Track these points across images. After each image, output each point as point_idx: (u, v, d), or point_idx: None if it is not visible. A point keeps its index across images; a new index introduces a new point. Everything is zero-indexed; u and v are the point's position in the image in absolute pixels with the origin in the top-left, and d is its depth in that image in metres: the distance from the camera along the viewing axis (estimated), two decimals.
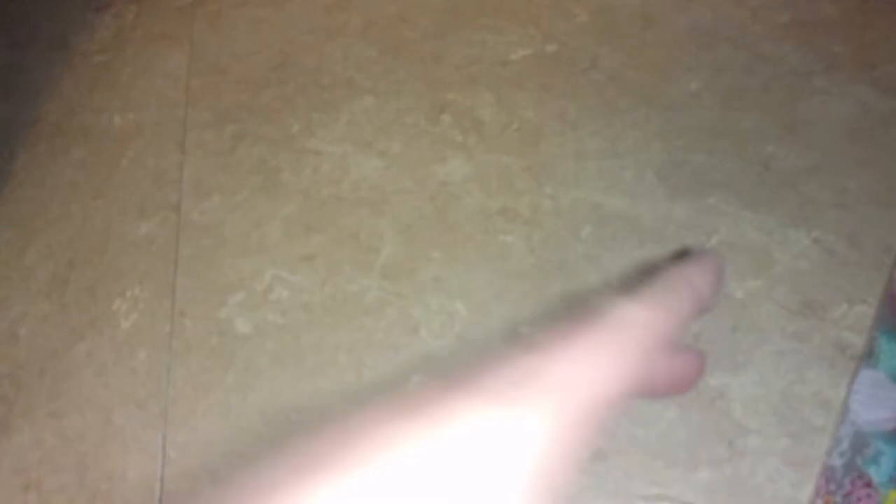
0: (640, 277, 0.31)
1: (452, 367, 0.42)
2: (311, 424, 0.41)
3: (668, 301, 0.29)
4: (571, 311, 0.21)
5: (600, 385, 0.23)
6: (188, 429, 0.45)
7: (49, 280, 0.50)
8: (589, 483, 0.40)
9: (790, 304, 0.46)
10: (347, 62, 0.61)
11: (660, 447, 0.41)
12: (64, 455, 0.42)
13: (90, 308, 0.48)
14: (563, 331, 0.25)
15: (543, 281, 0.48)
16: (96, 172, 0.55)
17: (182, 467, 0.44)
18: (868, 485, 0.39)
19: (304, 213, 0.53)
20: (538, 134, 0.56)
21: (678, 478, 0.40)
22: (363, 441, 0.25)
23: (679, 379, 0.29)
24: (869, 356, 0.43)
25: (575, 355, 0.24)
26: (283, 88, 0.61)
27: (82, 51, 0.67)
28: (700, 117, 0.55)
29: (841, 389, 0.42)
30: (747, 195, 0.50)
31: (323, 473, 0.23)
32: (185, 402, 0.46)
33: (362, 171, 0.53)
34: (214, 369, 0.48)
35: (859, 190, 0.48)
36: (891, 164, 0.49)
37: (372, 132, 0.56)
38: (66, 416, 0.44)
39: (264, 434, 0.44)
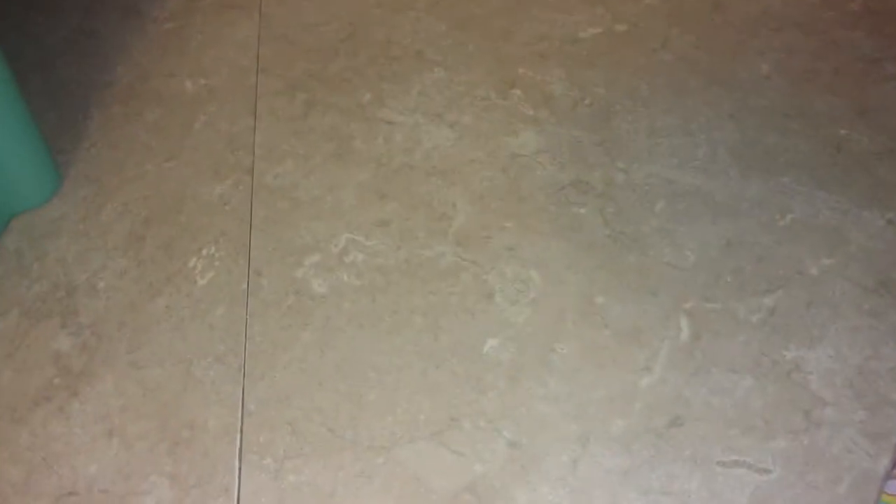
0: None
1: (528, 331, 0.43)
2: (387, 383, 0.43)
3: None
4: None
5: None
6: (267, 383, 0.46)
7: (126, 237, 0.51)
8: (667, 448, 0.40)
9: (865, 282, 0.46)
10: (416, 35, 0.61)
11: (736, 416, 0.42)
12: (145, 404, 0.43)
13: (167, 265, 0.49)
14: None
15: (617, 253, 0.48)
16: (170, 135, 0.56)
17: (261, 419, 0.44)
18: None
19: (377, 181, 0.54)
20: (609, 110, 0.56)
21: (754, 445, 0.41)
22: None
23: None
24: None
25: None
26: (353, 59, 0.62)
27: (153, 18, 0.68)
28: (772, 99, 0.55)
29: None
30: (820, 176, 0.51)
31: None
32: (263, 357, 0.47)
33: (434, 141, 0.54)
34: (292, 327, 0.49)
35: None
36: None
37: (443, 104, 0.57)
38: (146, 367, 0.45)
39: (342, 390, 0.45)
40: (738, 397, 0.42)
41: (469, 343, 0.46)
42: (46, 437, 0.41)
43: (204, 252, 0.51)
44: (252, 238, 0.53)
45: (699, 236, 0.48)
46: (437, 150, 0.53)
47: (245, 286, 0.50)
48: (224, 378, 0.46)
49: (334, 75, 0.55)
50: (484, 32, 0.61)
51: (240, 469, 0.40)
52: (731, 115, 0.54)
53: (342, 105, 0.57)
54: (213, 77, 0.57)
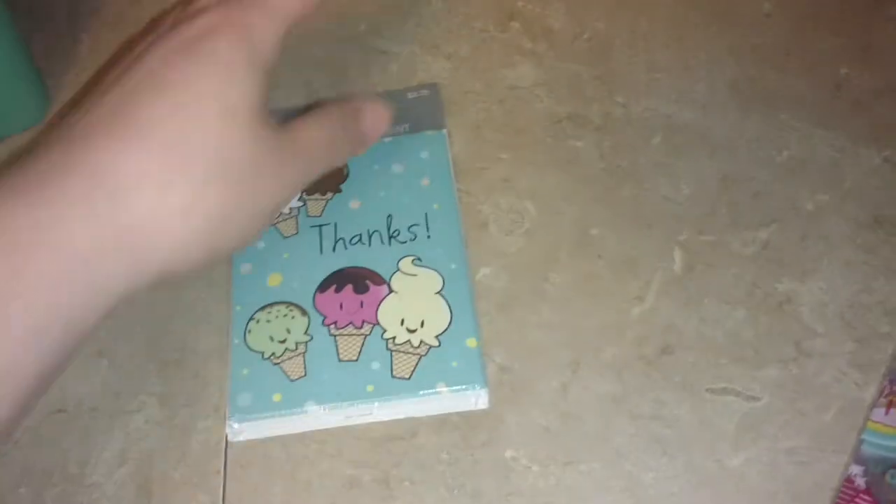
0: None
1: (523, 260, 0.43)
2: None
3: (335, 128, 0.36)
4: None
5: None
6: None
7: None
8: (657, 375, 0.41)
9: (860, 217, 0.46)
10: None
11: (727, 345, 0.42)
12: (134, 325, 0.43)
13: None
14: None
15: (613, 185, 0.48)
16: None
17: None
18: None
19: None
20: (609, 45, 0.56)
21: (744, 374, 0.41)
22: None
23: None
24: None
25: None
26: None
27: None
28: (773, 36, 0.55)
29: None
30: (819, 113, 0.51)
31: None
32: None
33: (430, 72, 0.53)
34: None
35: None
36: None
37: (440, 35, 0.56)
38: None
39: None
40: (730, 327, 0.43)
41: None
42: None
43: None
44: None
45: (695, 171, 0.48)
46: (432, 80, 0.52)
47: None
48: (216, 300, 0.45)
49: (330, 3, 0.54)
50: None
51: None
52: (730, 52, 0.54)
53: (338, 34, 0.56)
54: None
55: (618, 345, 0.42)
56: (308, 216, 0.41)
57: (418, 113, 0.45)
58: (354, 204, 0.41)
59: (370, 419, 0.39)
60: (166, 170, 0.28)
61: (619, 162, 0.50)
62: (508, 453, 0.39)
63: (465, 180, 0.48)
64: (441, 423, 0.39)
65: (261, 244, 0.40)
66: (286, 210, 0.41)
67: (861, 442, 0.38)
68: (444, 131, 0.45)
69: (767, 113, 0.52)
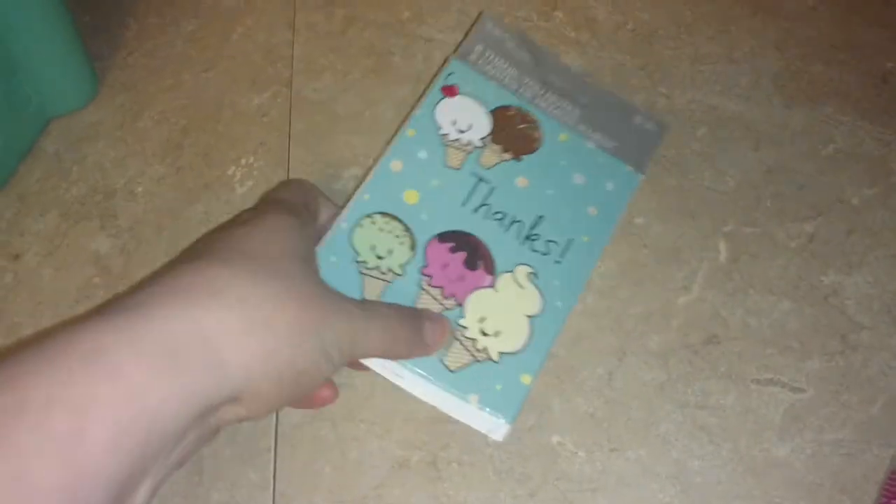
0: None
1: None
2: None
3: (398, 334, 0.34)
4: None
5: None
6: None
7: (164, 144, 0.51)
8: (702, 364, 0.41)
9: None
10: None
11: (773, 336, 0.42)
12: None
13: (205, 172, 0.49)
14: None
15: (658, 175, 0.48)
16: (207, 45, 0.56)
17: None
18: None
19: (416, 98, 0.54)
20: (653, 35, 0.56)
21: (790, 365, 0.41)
22: None
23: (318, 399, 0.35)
24: None
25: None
26: None
27: None
28: (818, 29, 0.55)
29: None
30: (864, 107, 0.51)
31: None
32: None
33: None
34: None
35: None
36: None
37: None
38: None
39: None
40: (775, 319, 0.43)
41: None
42: None
43: (243, 161, 0.51)
44: (291, 150, 0.53)
45: (740, 162, 0.48)
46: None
47: None
48: None
49: None
50: None
51: None
52: (775, 44, 0.53)
53: (381, 21, 0.57)
54: None
55: (663, 333, 0.43)
56: (478, 162, 0.38)
57: (632, 140, 0.42)
58: (522, 181, 0.38)
59: (397, 381, 0.36)
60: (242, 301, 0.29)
61: (663, 152, 0.50)
62: (555, 439, 0.39)
63: None
64: None
65: (423, 153, 0.38)
66: (464, 140, 0.38)
67: None
68: (642, 176, 0.41)
69: (812, 106, 0.51)
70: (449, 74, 0.40)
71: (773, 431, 0.38)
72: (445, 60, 0.40)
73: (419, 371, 0.38)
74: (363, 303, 0.32)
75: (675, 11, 0.57)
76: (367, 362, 0.38)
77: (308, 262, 0.31)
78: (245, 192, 0.51)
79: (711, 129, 0.51)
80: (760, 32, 0.55)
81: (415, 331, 0.34)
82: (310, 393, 0.32)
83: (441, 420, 0.39)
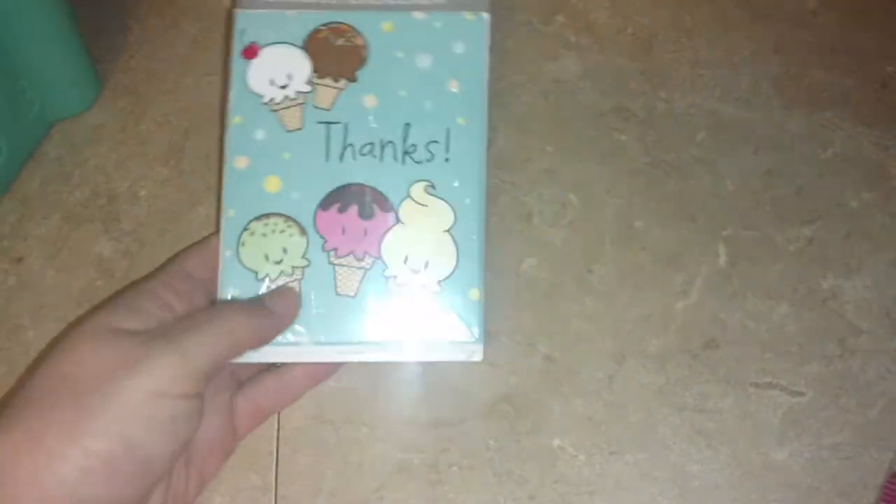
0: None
1: (566, 251, 0.43)
2: None
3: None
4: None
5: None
6: None
7: (166, 147, 0.51)
8: (701, 368, 0.41)
9: None
10: None
11: (771, 340, 0.42)
12: None
13: (207, 175, 0.50)
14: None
15: (657, 179, 0.48)
16: (208, 49, 0.56)
17: None
18: None
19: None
20: (652, 39, 0.56)
21: (789, 369, 0.41)
22: None
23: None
24: None
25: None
26: None
27: None
28: (818, 34, 0.55)
29: None
30: (864, 112, 0.51)
31: None
32: None
33: None
34: None
35: None
36: None
37: None
38: None
39: None
40: (774, 322, 0.43)
41: (507, 262, 0.46)
42: None
43: None
44: None
45: (739, 166, 0.48)
46: None
47: None
48: None
49: None
50: None
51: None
52: (775, 49, 0.54)
53: None
54: None
55: (662, 337, 0.43)
56: (315, 108, 0.35)
57: None
58: (370, 100, 0.35)
59: (363, 358, 0.36)
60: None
61: (663, 156, 0.50)
62: (555, 441, 0.40)
63: (510, 171, 0.49)
64: (488, 410, 0.40)
65: (260, 134, 0.35)
66: (291, 95, 0.35)
67: None
68: (486, 16, 0.37)
69: (812, 110, 0.52)
70: (242, 33, 0.37)
71: (772, 435, 0.38)
72: (230, 16, 0.36)
73: (373, 340, 0.36)
74: (174, 327, 0.31)
75: (676, 16, 0.57)
76: (309, 359, 0.37)
77: (110, 340, 0.30)
78: None
79: (711, 133, 0.51)
80: (760, 37, 0.56)
81: (254, 313, 0.33)
82: (196, 426, 0.31)
83: (442, 423, 0.39)
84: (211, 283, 0.35)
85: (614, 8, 0.57)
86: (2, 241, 0.49)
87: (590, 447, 0.38)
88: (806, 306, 0.42)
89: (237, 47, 0.36)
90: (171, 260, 0.35)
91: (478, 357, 0.36)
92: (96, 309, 0.32)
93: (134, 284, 0.34)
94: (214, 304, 0.34)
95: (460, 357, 0.36)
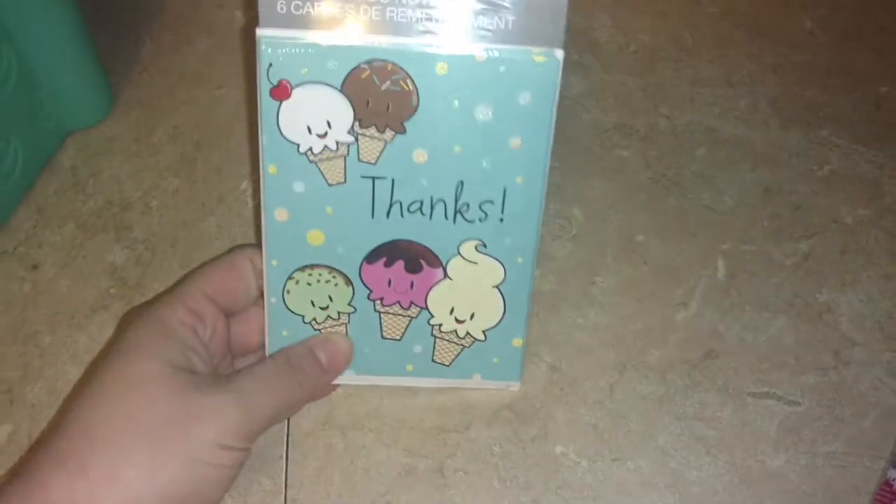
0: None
1: (570, 264, 0.45)
2: None
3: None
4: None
5: None
6: None
7: (178, 159, 0.52)
8: (700, 378, 0.42)
9: None
10: None
11: (768, 351, 0.44)
12: None
13: (218, 186, 0.51)
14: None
15: (658, 195, 0.50)
16: (219, 63, 0.58)
17: None
18: None
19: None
20: (654, 58, 0.57)
21: (785, 379, 0.42)
22: None
23: None
24: None
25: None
26: None
27: None
28: (814, 54, 0.56)
29: None
30: (859, 131, 0.52)
31: None
32: None
33: None
34: None
35: None
36: None
37: None
38: None
39: None
40: (771, 334, 0.44)
41: None
42: (103, 341, 0.43)
43: (255, 176, 0.53)
44: None
45: (738, 183, 0.49)
46: None
47: None
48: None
49: None
50: None
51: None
52: (773, 68, 0.55)
53: None
54: None
55: (662, 348, 0.44)
56: (360, 161, 0.31)
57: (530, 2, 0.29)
58: (419, 156, 0.31)
59: (402, 383, 0.39)
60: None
61: (664, 172, 0.52)
62: (558, 448, 0.41)
63: None
64: (493, 417, 0.41)
65: (299, 186, 0.31)
66: (332, 146, 0.31)
67: None
68: (559, 56, 0.29)
69: (809, 128, 0.53)
70: (270, 68, 0.30)
71: (769, 443, 0.39)
72: (251, 35, 0.29)
73: (418, 376, 0.40)
74: (237, 379, 0.32)
75: (676, 35, 0.59)
76: (357, 377, 0.40)
77: (166, 383, 0.30)
78: (257, 206, 0.52)
79: (710, 149, 0.52)
80: (758, 57, 0.57)
81: (304, 368, 0.34)
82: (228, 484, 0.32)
83: (448, 429, 0.40)
84: (231, 306, 0.37)
85: (616, 26, 0.59)
86: (18, 248, 0.50)
87: (592, 454, 0.39)
88: (802, 319, 0.44)
89: (264, 84, 0.30)
90: (192, 278, 0.35)
91: (515, 388, 0.40)
92: (147, 335, 0.32)
93: (163, 306, 0.33)
94: (272, 358, 0.35)
95: (496, 388, 0.39)
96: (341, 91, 0.30)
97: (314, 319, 0.35)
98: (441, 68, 0.29)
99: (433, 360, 0.37)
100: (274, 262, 0.33)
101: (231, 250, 0.37)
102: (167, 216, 0.52)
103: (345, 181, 0.32)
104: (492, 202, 0.32)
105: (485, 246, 0.33)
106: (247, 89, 0.59)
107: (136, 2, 0.66)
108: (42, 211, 0.52)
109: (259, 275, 0.35)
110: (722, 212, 0.48)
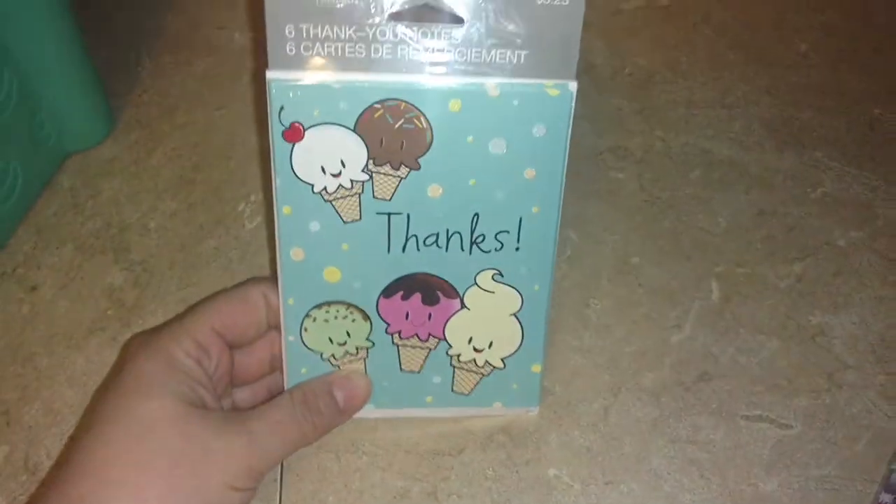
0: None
1: (565, 286, 0.45)
2: None
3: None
4: None
5: None
6: None
7: (177, 180, 0.53)
8: (694, 401, 0.42)
9: (891, 254, 0.48)
10: None
11: (761, 374, 0.44)
12: None
13: (216, 208, 0.51)
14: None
15: (653, 217, 0.50)
16: (219, 85, 0.58)
17: None
18: None
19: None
20: (649, 80, 0.58)
21: (778, 402, 0.43)
22: None
23: None
24: None
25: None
26: None
27: None
28: (808, 76, 0.57)
29: None
30: (852, 153, 0.53)
31: None
32: None
33: None
34: None
35: None
36: None
37: None
38: None
39: None
40: (764, 357, 0.44)
41: None
42: (100, 363, 0.44)
43: (252, 198, 0.53)
44: None
45: (732, 205, 0.50)
46: None
47: None
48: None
49: None
50: None
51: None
52: (767, 90, 0.56)
53: None
54: (262, 32, 0.59)
55: (657, 370, 0.44)
56: (375, 198, 0.31)
57: (545, 33, 0.29)
58: (434, 190, 0.31)
59: (421, 414, 0.39)
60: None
61: (658, 194, 0.52)
62: (551, 471, 0.41)
63: None
64: (487, 440, 0.41)
65: (314, 225, 0.31)
66: (346, 184, 0.30)
67: (891, 472, 0.39)
68: (573, 88, 0.31)
69: (802, 151, 0.54)
70: (281, 111, 0.29)
71: (762, 466, 0.39)
72: (267, 87, 0.29)
73: (438, 407, 0.40)
74: (251, 420, 0.32)
75: (671, 58, 0.59)
76: (377, 411, 0.40)
77: (177, 420, 0.30)
78: (254, 228, 0.52)
79: (705, 171, 0.53)
80: (753, 79, 0.57)
81: (321, 410, 0.34)
82: None
83: (442, 453, 0.41)
84: (238, 340, 0.35)
85: (611, 49, 0.59)
86: (16, 269, 0.51)
87: (586, 477, 0.39)
88: (795, 341, 0.44)
89: (276, 127, 0.29)
90: (201, 310, 0.34)
91: (533, 413, 0.40)
92: (154, 368, 0.32)
93: (169, 337, 0.33)
94: (289, 397, 0.34)
95: (516, 413, 0.39)
96: (354, 131, 0.29)
97: (332, 356, 0.35)
98: (454, 105, 0.30)
99: (453, 390, 0.37)
100: (290, 301, 0.33)
101: (246, 283, 0.37)
102: (165, 238, 0.52)
103: (360, 218, 0.31)
104: (507, 232, 0.32)
105: (501, 275, 0.33)
106: (242, 109, 0.60)
107: (137, 23, 0.66)
108: (41, 232, 0.53)
109: (272, 310, 0.34)
110: (716, 234, 0.48)
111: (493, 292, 0.34)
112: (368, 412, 0.40)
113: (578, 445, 0.42)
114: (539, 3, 0.28)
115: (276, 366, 0.37)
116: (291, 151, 0.30)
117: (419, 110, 0.29)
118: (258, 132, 0.58)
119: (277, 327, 0.35)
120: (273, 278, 0.35)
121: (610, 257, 0.48)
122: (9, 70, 0.48)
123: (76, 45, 0.53)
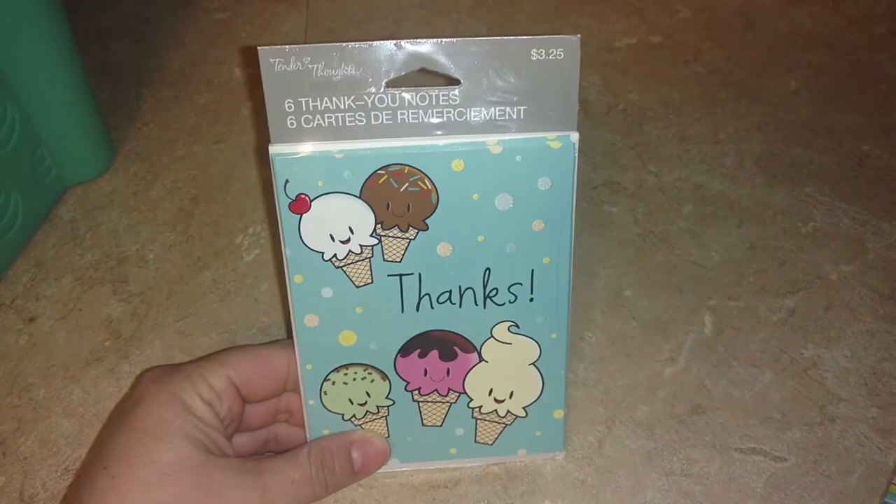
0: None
1: None
2: None
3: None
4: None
5: None
6: None
7: (175, 212, 0.53)
8: (688, 433, 0.43)
9: (882, 289, 0.49)
10: (458, 37, 0.64)
11: (755, 407, 0.44)
12: None
13: (214, 241, 0.52)
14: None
15: (646, 250, 0.51)
16: (218, 119, 0.59)
17: None
18: None
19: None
20: (642, 116, 0.59)
21: (771, 435, 0.43)
22: None
23: None
24: None
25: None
26: None
27: (204, 8, 0.71)
28: (798, 113, 0.58)
29: None
30: (842, 188, 0.53)
31: None
32: None
33: None
34: None
35: None
36: None
37: None
38: (193, 335, 0.47)
39: None
40: (757, 390, 0.45)
41: None
42: (98, 394, 0.44)
43: (250, 230, 0.54)
44: None
45: (724, 239, 0.50)
46: None
47: None
48: None
49: None
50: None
51: None
52: (758, 127, 0.57)
53: None
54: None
55: (651, 403, 0.45)
56: (385, 260, 0.31)
57: (542, 87, 0.29)
58: (444, 249, 0.31)
59: (446, 465, 0.40)
60: None
61: (651, 228, 0.53)
62: None
63: None
64: (482, 473, 0.41)
65: (327, 292, 0.31)
66: (356, 250, 0.31)
67: None
68: (574, 139, 0.29)
69: (793, 186, 0.54)
70: (286, 184, 0.30)
71: (756, 499, 0.39)
72: (271, 162, 0.30)
73: (462, 458, 0.40)
74: (266, 474, 0.32)
75: (664, 94, 0.60)
76: (402, 465, 0.40)
77: (189, 468, 0.30)
78: (252, 260, 0.53)
79: (697, 206, 0.53)
80: (744, 115, 0.59)
81: (335, 470, 0.34)
82: None
83: (437, 485, 0.41)
84: (252, 398, 0.35)
85: (606, 85, 0.61)
86: (15, 300, 0.51)
87: None
88: (788, 374, 0.44)
89: (283, 199, 0.30)
90: (221, 360, 0.34)
91: (560, 457, 0.41)
92: (169, 412, 0.31)
93: (184, 379, 0.33)
94: (306, 455, 0.34)
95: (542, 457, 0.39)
96: (360, 197, 0.30)
97: (353, 416, 0.35)
98: (457, 165, 0.30)
99: (476, 441, 0.37)
100: (309, 367, 0.34)
101: (272, 344, 0.36)
102: (163, 270, 0.53)
103: (372, 281, 0.32)
104: (520, 284, 0.32)
105: (517, 326, 0.33)
106: (240, 142, 0.61)
107: (138, 57, 0.67)
108: (40, 264, 0.53)
109: (293, 378, 0.34)
110: (709, 268, 0.48)
111: (511, 343, 0.34)
112: (394, 466, 0.39)
113: (573, 478, 0.42)
114: (534, 59, 0.28)
115: (279, 417, 0.37)
116: (299, 222, 0.30)
117: (423, 173, 0.30)
118: (256, 166, 0.58)
119: (296, 390, 0.35)
120: None
121: (603, 290, 0.48)
122: (11, 104, 0.49)
123: (79, 80, 0.53)
